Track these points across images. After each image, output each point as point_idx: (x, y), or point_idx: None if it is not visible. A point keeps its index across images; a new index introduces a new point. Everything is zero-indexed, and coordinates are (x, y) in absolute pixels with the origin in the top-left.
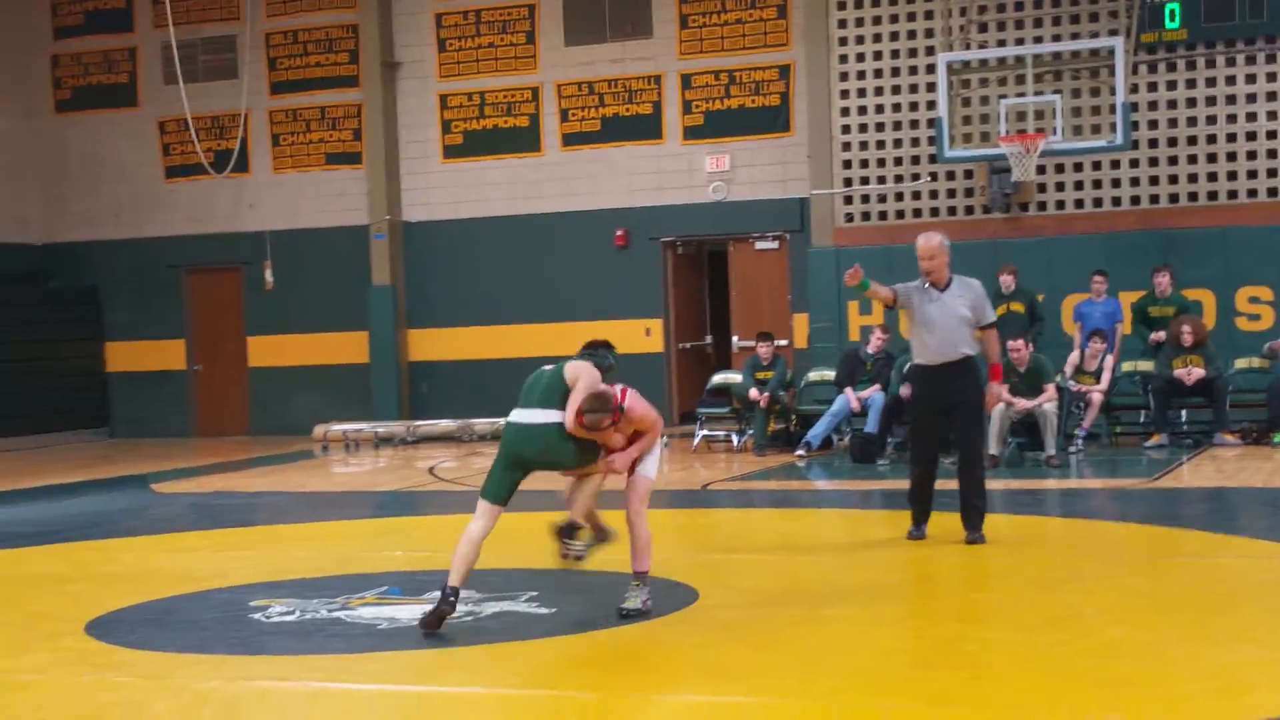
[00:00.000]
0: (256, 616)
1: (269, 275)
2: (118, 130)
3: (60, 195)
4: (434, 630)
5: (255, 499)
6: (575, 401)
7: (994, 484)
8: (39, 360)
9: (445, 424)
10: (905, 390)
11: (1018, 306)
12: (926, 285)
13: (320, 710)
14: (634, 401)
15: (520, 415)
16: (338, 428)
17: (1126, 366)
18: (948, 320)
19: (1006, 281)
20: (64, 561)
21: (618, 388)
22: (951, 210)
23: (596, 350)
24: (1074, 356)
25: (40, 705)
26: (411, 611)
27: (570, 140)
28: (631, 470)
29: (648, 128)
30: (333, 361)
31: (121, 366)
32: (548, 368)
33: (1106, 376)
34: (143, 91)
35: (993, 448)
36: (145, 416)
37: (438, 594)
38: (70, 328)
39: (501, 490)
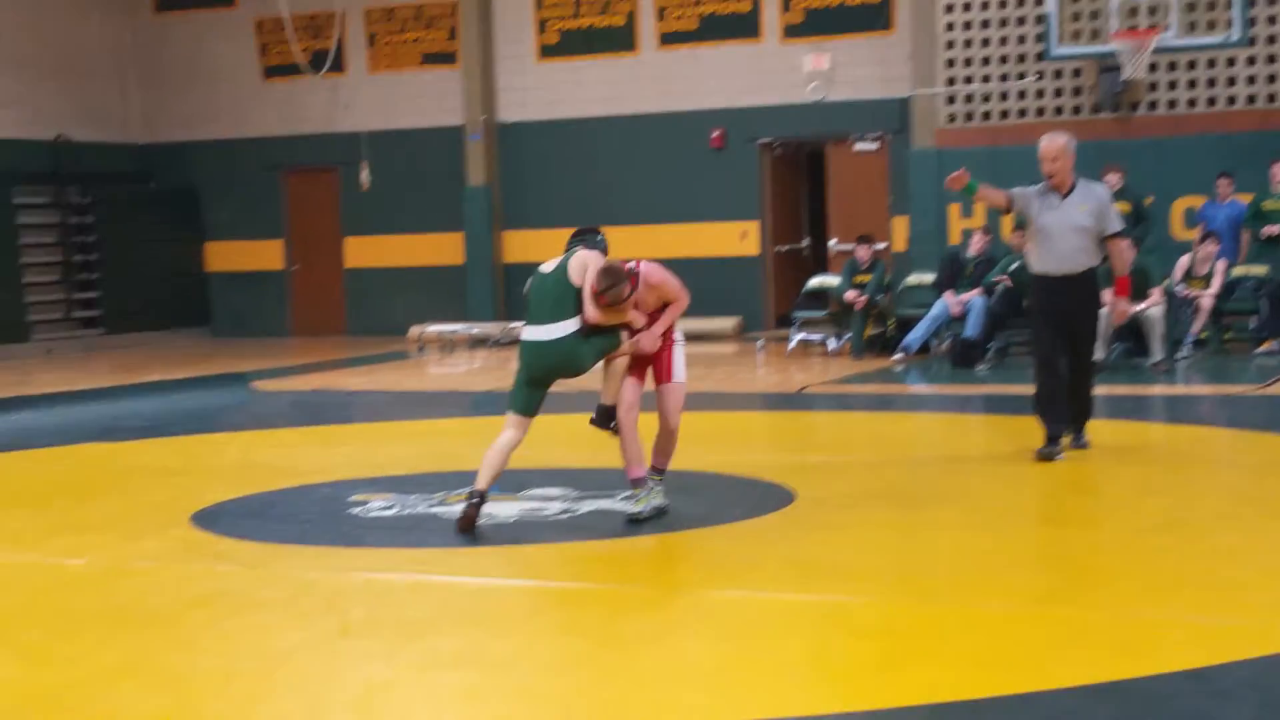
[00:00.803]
0: (355, 511)
1: (365, 176)
2: (216, 30)
3: (160, 96)
4: (468, 530)
5: (353, 397)
6: (590, 288)
7: (1098, 389)
8: (142, 260)
9: None
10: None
11: (1123, 207)
12: (1048, 190)
13: (419, 600)
14: (651, 269)
15: (534, 333)
16: (433, 328)
17: (1238, 271)
18: (1064, 229)
19: (1112, 181)
20: (171, 454)
21: (631, 261)
22: (1058, 110)
23: (586, 235)
24: (1184, 260)
25: (150, 592)
26: (506, 509)
27: (667, 39)
28: (660, 364)
29: (746, 26)
30: (428, 263)
31: (221, 266)
32: (546, 269)
33: (1218, 281)
34: None
35: (1098, 352)
36: (245, 315)
37: (532, 491)
38: (171, 228)
39: (530, 405)
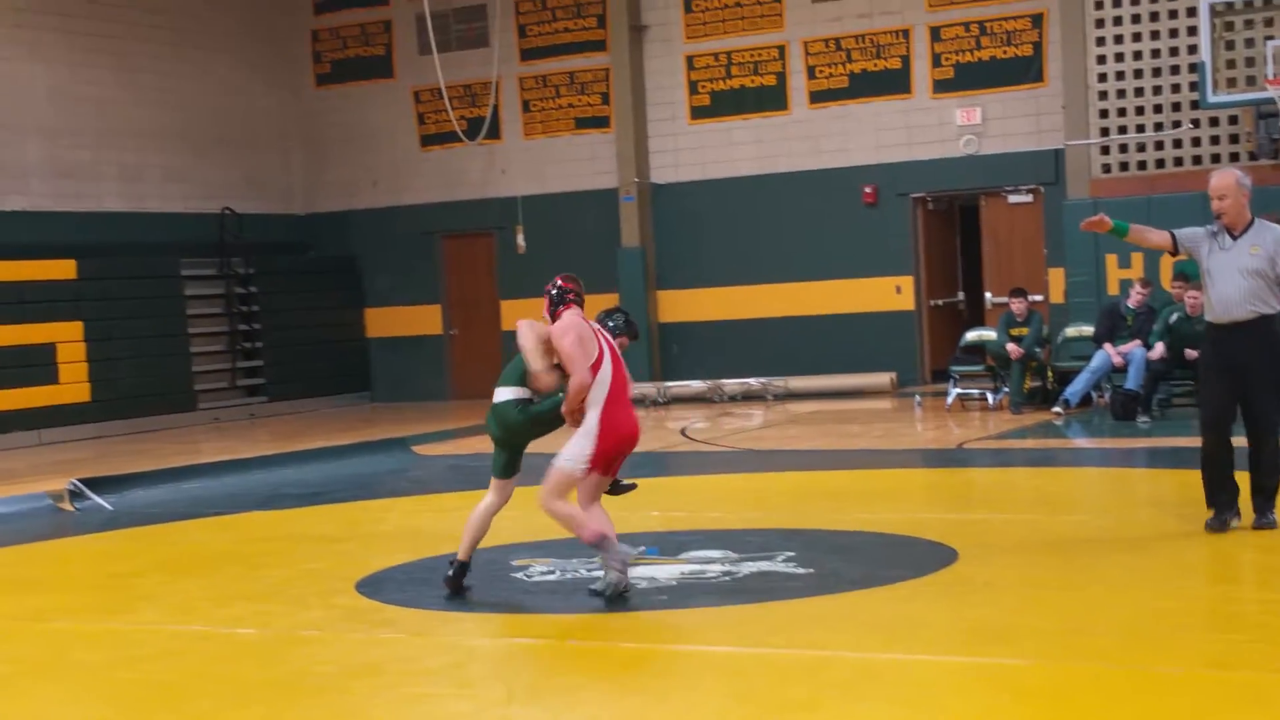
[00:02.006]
0: (518, 575)
1: (521, 239)
2: (374, 101)
3: (321, 166)
4: (456, 593)
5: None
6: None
7: None
8: (305, 327)
9: (695, 384)
10: (1158, 349)
11: None
12: (1218, 230)
13: (581, 666)
14: (563, 327)
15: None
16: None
17: None
18: (1233, 272)
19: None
20: (335, 521)
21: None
22: (1215, 158)
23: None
24: None
25: (318, 660)
26: (669, 571)
27: (818, 98)
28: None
29: (897, 82)
30: None
31: (381, 332)
32: None
33: None
34: (398, 63)
35: None
36: (404, 380)
37: (692, 553)
38: (333, 295)
39: (500, 467)
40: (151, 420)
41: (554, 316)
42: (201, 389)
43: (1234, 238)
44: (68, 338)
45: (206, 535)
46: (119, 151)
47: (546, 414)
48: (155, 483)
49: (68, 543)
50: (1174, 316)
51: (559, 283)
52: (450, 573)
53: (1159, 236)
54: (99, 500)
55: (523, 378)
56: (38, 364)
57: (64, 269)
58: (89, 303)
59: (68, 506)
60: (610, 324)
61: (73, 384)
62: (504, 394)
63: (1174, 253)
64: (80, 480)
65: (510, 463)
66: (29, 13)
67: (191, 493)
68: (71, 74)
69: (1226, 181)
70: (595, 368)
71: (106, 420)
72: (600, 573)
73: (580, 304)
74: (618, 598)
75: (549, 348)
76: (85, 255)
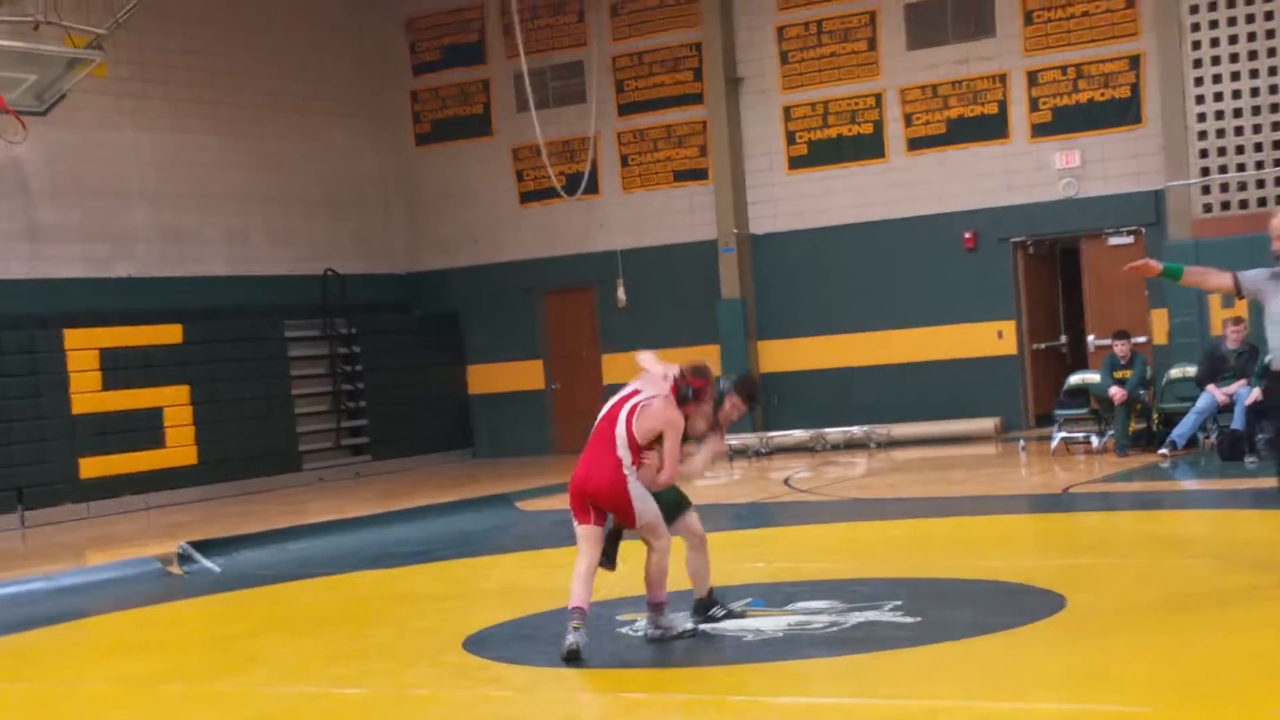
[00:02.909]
0: (623, 630)
1: (621, 293)
2: (474, 159)
3: (421, 225)
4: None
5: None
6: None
7: None
8: (408, 386)
9: (798, 434)
10: (1255, 394)
11: None
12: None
13: None
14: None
15: None
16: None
17: None
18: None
19: None
20: (440, 579)
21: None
22: None
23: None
24: None
25: (427, 718)
26: (775, 623)
27: (915, 145)
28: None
29: (994, 127)
30: None
31: (483, 388)
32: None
33: None
34: (496, 120)
35: None
36: (506, 436)
37: (799, 604)
38: (434, 353)
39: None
40: (258, 481)
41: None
42: (306, 449)
43: None
44: (174, 401)
45: (314, 595)
46: (222, 215)
47: None
48: (262, 544)
49: (178, 606)
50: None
51: (690, 380)
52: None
53: (1220, 279)
54: (207, 563)
55: None
56: (145, 428)
57: (170, 334)
58: (195, 366)
59: (177, 570)
60: (722, 384)
61: (179, 447)
62: None
63: (1239, 295)
64: (189, 543)
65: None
66: (132, 81)
67: (299, 553)
68: (175, 140)
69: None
70: None
71: (213, 483)
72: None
73: (708, 399)
74: (571, 657)
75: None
76: (191, 319)
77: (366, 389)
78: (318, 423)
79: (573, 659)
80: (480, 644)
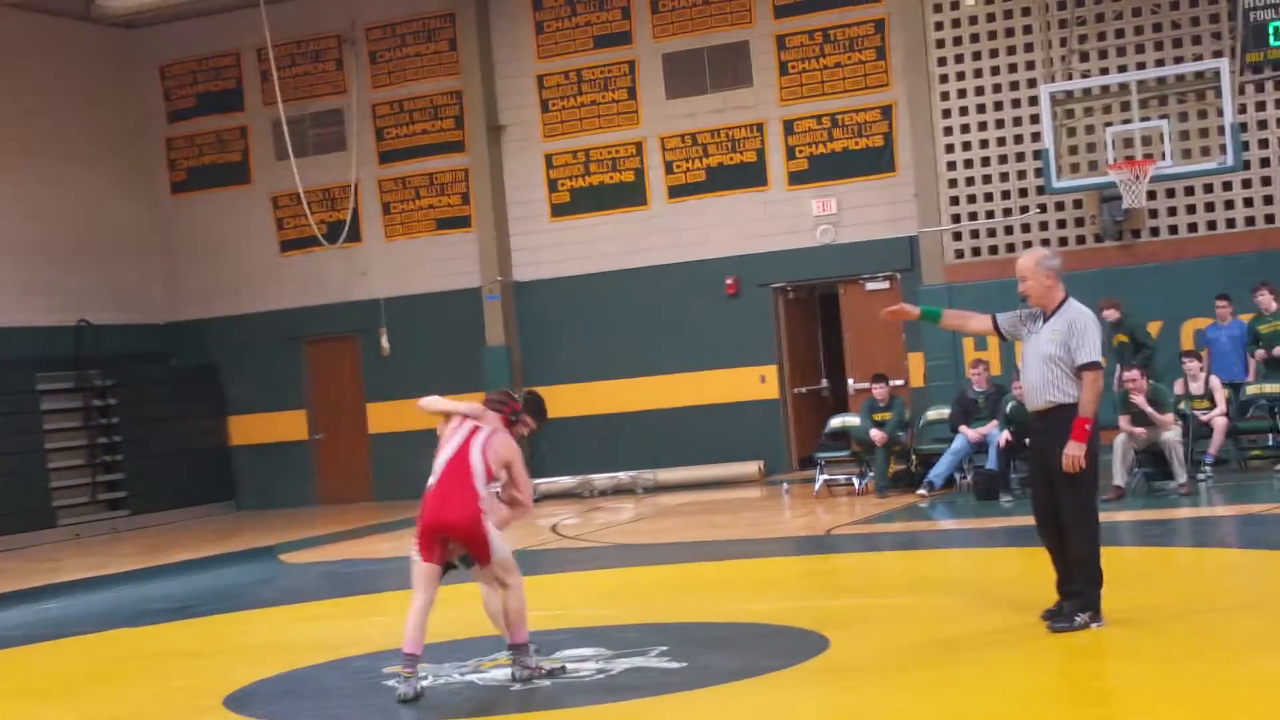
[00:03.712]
0: (391, 683)
1: (385, 342)
2: (232, 207)
3: (179, 274)
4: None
5: (383, 565)
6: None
7: (1122, 515)
8: (165, 438)
9: (565, 480)
10: (1004, 436)
11: (1121, 338)
12: (1036, 314)
13: None
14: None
15: None
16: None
17: (1252, 389)
18: (1034, 358)
19: (1109, 315)
20: (200, 636)
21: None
22: (1063, 240)
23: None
24: (1179, 383)
25: None
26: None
27: (676, 192)
28: None
29: (753, 175)
30: None
31: (245, 439)
32: None
33: (1219, 397)
34: (255, 168)
35: (1118, 479)
36: (270, 487)
37: (568, 652)
38: (194, 404)
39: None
40: (10, 539)
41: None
42: (61, 504)
43: (1046, 320)
44: None
45: (69, 656)
46: None
47: None
48: (14, 603)
49: None
50: (1009, 405)
51: (514, 405)
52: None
53: (980, 322)
54: None
55: None
56: None
57: None
58: None
59: None
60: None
61: None
62: None
63: (1000, 336)
64: None
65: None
66: None
67: (52, 613)
68: None
69: (1025, 263)
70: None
71: None
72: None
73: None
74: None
75: None
76: None
77: (124, 442)
78: (73, 477)
79: (408, 702)
80: (242, 701)
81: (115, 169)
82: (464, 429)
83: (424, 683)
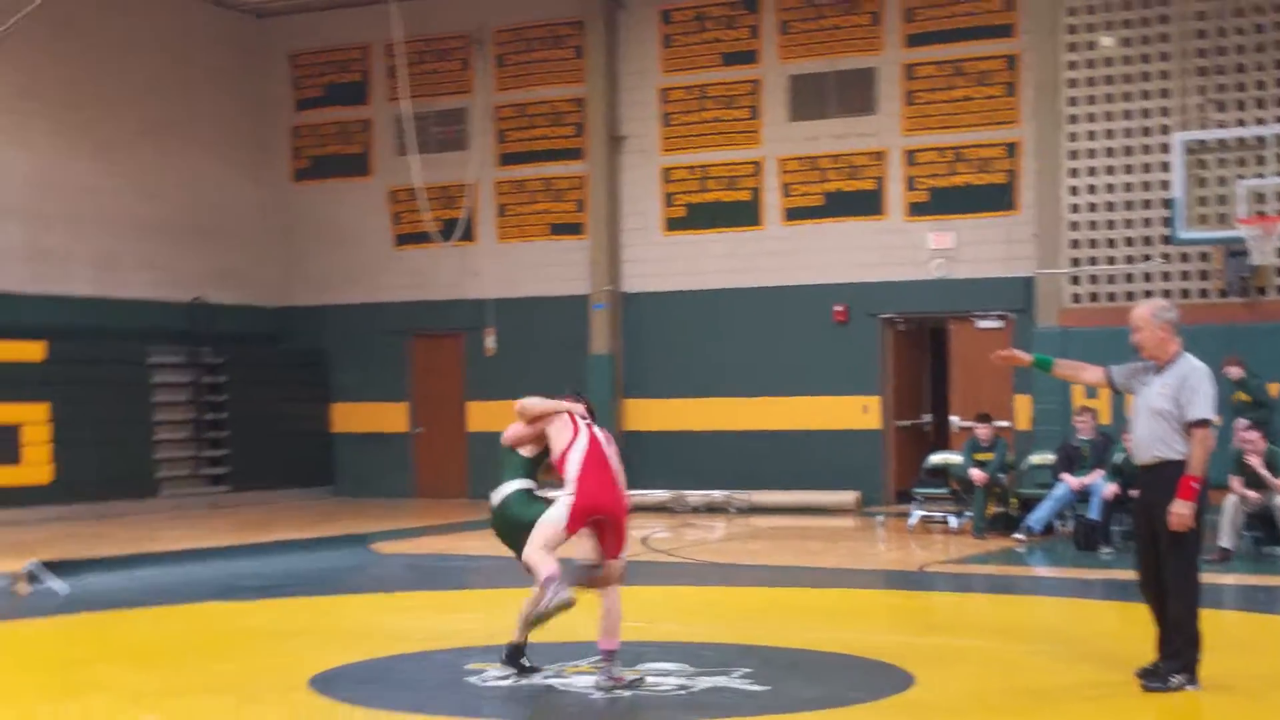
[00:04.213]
0: (473, 680)
1: (490, 342)
2: (351, 198)
3: (295, 259)
4: (520, 671)
5: (472, 562)
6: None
7: (1228, 578)
8: (271, 419)
9: (659, 494)
10: (1110, 488)
11: (1243, 396)
12: (1149, 367)
13: None
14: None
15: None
16: (553, 494)
17: None
18: (1143, 412)
19: (1232, 373)
20: (290, 616)
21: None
22: (1185, 293)
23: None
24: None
25: None
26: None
27: (792, 215)
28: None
29: (870, 204)
30: None
31: (346, 427)
32: None
33: None
34: (375, 161)
35: (1225, 540)
36: (368, 476)
37: (650, 665)
38: (300, 388)
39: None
40: (113, 505)
41: None
42: (164, 476)
43: (1159, 373)
44: (33, 419)
45: (162, 625)
46: (95, 237)
47: (526, 521)
48: (112, 568)
49: (21, 625)
50: (1119, 456)
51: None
52: (504, 654)
53: (1093, 374)
54: (55, 584)
55: (527, 469)
56: (1, 444)
57: (33, 351)
58: (56, 385)
59: (23, 589)
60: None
61: (35, 465)
62: (509, 487)
63: (1113, 389)
64: (38, 562)
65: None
66: (13, 98)
67: (148, 580)
68: (52, 160)
69: (1141, 313)
70: (568, 445)
71: (68, 503)
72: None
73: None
74: (553, 609)
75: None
76: (55, 338)
77: (229, 419)
78: (177, 450)
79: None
80: (327, 684)
81: (239, 153)
82: (581, 424)
83: (504, 682)
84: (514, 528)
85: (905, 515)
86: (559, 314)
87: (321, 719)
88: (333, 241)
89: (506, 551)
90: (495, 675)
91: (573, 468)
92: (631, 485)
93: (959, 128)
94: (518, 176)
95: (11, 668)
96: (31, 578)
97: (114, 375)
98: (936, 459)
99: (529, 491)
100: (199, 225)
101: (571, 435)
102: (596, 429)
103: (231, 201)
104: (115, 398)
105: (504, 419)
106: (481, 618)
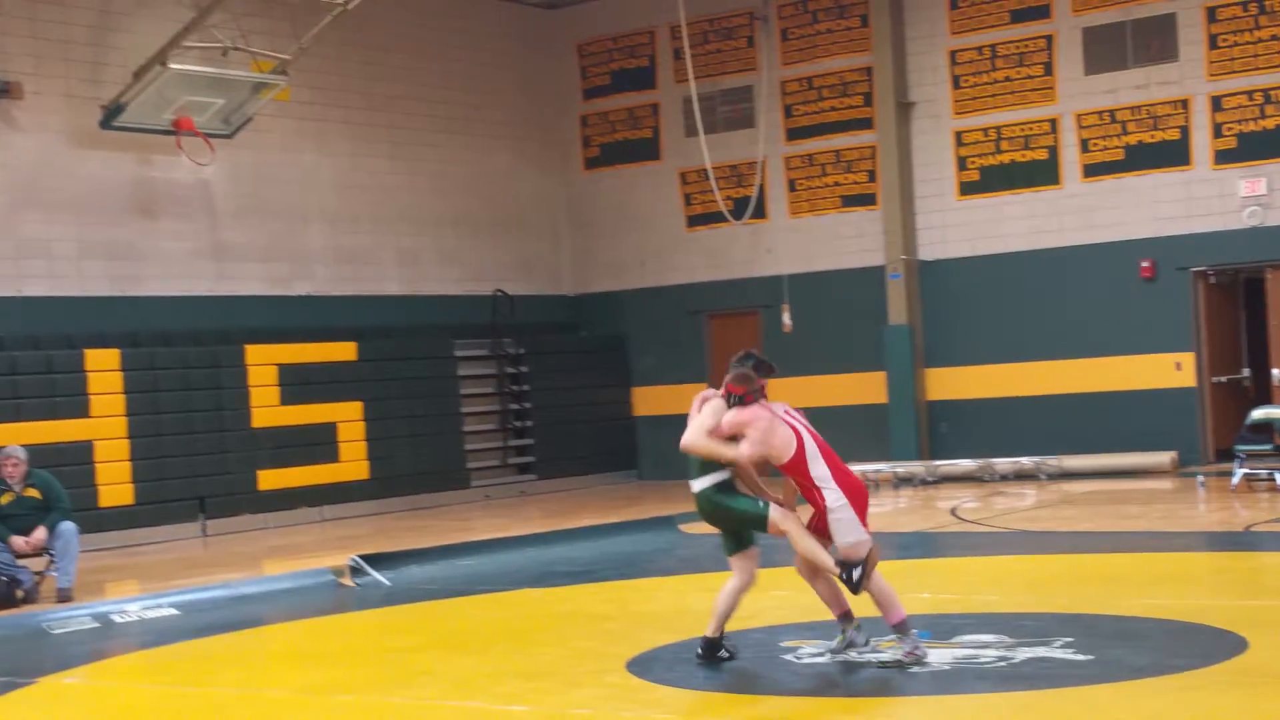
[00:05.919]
0: (788, 657)
1: (787, 318)
2: (642, 183)
3: (589, 247)
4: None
5: (781, 541)
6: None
7: None
8: (573, 406)
9: (965, 463)
10: None
11: None
12: None
13: None
14: (742, 414)
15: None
16: (857, 468)
17: None
18: None
19: None
20: (604, 600)
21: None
22: None
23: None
24: None
25: None
26: (941, 655)
27: (1091, 171)
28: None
29: (1174, 154)
30: (850, 402)
31: (648, 410)
32: None
33: None
34: (665, 144)
35: None
36: (671, 458)
37: (965, 637)
38: (601, 374)
39: (728, 546)
40: (427, 497)
41: None
42: (474, 467)
43: None
44: (348, 417)
45: (481, 612)
46: (395, 236)
47: (744, 512)
48: (431, 559)
49: (349, 617)
50: None
51: (729, 389)
52: (700, 650)
53: None
54: (378, 576)
55: (707, 465)
56: (320, 442)
57: (345, 351)
58: (368, 383)
59: (349, 582)
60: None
61: (352, 462)
62: (697, 483)
63: None
64: (360, 556)
65: (733, 541)
66: (314, 105)
67: (465, 569)
68: (352, 163)
69: None
70: (799, 451)
71: (384, 497)
72: (873, 655)
73: (756, 398)
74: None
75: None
76: (365, 337)
77: (533, 408)
78: (485, 441)
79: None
80: (644, 666)
81: (531, 145)
82: (797, 415)
83: (820, 659)
84: (729, 518)
85: (1227, 474)
86: (855, 286)
87: (639, 700)
88: (626, 227)
89: None
90: (810, 652)
91: (821, 472)
92: (936, 456)
93: (1267, 69)
94: (807, 150)
95: (343, 659)
96: (355, 571)
97: (422, 370)
98: (1259, 414)
99: (728, 483)
100: (495, 218)
101: (796, 443)
102: (796, 417)
103: (525, 193)
104: (424, 392)
105: (803, 396)
106: (791, 594)
